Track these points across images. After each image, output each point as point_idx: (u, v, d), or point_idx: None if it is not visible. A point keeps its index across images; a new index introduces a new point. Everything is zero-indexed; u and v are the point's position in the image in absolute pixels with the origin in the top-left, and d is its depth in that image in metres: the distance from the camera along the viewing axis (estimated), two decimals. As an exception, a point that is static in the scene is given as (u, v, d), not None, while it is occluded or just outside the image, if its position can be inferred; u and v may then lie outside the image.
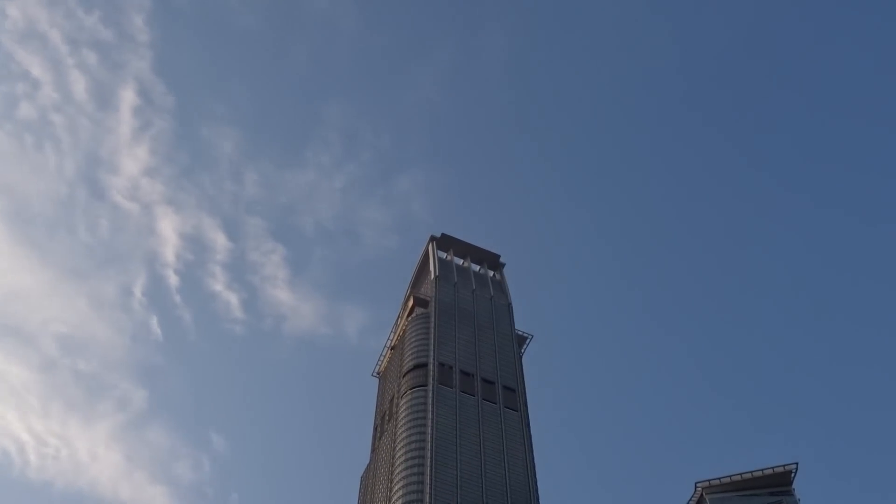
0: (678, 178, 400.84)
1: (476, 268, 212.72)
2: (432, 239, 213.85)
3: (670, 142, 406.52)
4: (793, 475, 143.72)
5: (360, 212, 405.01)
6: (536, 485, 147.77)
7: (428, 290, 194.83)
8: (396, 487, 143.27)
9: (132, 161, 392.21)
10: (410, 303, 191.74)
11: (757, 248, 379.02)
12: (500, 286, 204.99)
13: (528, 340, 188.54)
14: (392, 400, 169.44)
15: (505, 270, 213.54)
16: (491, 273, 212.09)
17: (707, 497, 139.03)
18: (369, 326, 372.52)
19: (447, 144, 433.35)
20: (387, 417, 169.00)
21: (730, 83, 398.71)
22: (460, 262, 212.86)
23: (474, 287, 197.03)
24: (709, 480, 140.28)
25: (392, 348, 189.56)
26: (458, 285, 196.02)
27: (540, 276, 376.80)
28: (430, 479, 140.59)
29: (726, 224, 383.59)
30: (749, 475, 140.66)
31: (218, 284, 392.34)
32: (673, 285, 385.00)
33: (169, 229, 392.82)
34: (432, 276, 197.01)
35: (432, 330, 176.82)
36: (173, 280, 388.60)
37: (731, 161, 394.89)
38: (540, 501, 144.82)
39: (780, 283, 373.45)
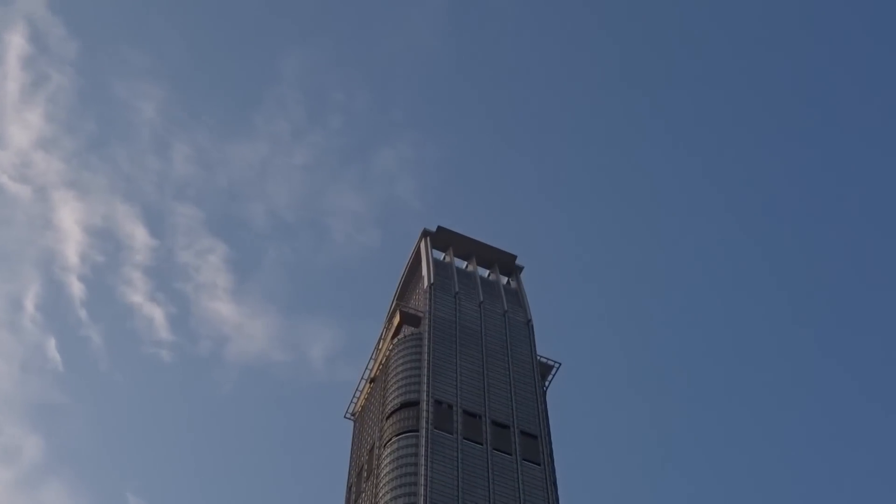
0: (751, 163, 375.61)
1: (484, 272, 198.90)
2: (425, 234, 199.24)
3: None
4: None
5: (328, 197, 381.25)
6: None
7: (420, 302, 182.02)
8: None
9: (21, 130, 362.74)
10: (396, 319, 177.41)
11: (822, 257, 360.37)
12: (517, 297, 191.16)
13: (554, 370, 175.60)
14: (372, 450, 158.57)
15: (524, 276, 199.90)
16: (504, 279, 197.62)
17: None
18: (341, 351, 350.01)
19: (445, 108, 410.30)
20: (364, 473, 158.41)
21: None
22: (463, 264, 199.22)
23: (482, 298, 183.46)
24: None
25: (371, 381, 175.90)
26: (461, 296, 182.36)
27: (568, 282, 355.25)
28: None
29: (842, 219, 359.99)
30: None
31: (137, 295, 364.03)
32: (751, 287, 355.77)
33: (70, 221, 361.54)
34: (425, 283, 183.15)
35: (426, 356, 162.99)
36: (77, 289, 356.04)
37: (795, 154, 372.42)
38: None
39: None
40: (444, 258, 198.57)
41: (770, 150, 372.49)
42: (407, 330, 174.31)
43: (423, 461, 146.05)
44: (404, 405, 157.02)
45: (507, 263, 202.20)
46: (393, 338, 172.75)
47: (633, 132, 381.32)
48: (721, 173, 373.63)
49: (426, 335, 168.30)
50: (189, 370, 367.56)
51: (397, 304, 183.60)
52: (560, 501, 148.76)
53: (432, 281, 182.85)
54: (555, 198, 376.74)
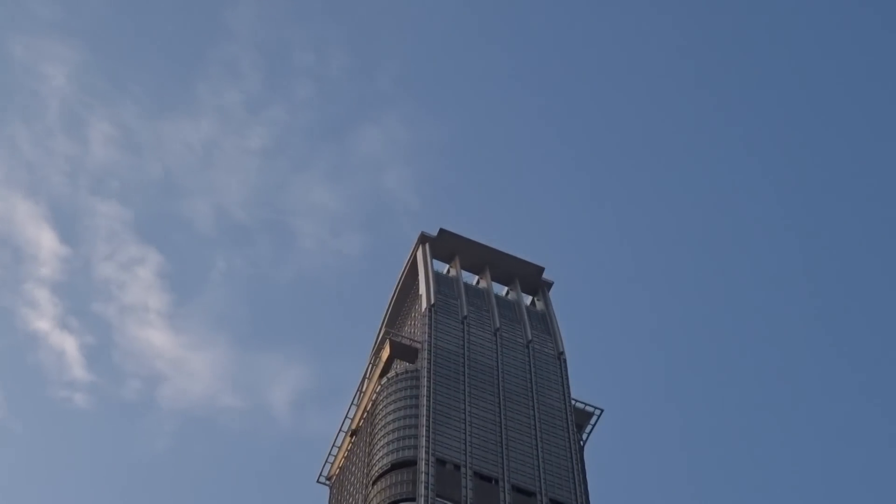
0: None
1: (501, 290, 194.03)
2: (423, 240, 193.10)
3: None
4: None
5: (293, 191, 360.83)
6: None
7: (416, 329, 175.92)
8: None
9: None
10: (385, 353, 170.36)
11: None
12: (545, 322, 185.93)
13: (593, 419, 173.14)
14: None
15: (554, 294, 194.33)
16: (528, 299, 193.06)
17: None
18: (311, 395, 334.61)
19: (447, 73, 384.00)
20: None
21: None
22: (473, 279, 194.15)
23: (498, 324, 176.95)
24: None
25: (353, 434, 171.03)
26: (471, 321, 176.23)
27: (611, 302, 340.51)
28: None
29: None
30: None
31: (43, 320, 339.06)
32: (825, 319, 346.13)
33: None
34: (424, 304, 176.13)
35: (425, 401, 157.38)
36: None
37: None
38: None
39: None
40: (449, 271, 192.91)
41: (824, 154, 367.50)
42: (400, 366, 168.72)
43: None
44: (396, 466, 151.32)
45: (531, 278, 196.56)
46: (381, 377, 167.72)
47: (690, 114, 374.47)
48: (786, 173, 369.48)
49: (425, 373, 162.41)
50: (111, 419, 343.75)
51: (387, 333, 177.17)
52: None
53: (433, 301, 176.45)
54: (592, 192, 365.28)
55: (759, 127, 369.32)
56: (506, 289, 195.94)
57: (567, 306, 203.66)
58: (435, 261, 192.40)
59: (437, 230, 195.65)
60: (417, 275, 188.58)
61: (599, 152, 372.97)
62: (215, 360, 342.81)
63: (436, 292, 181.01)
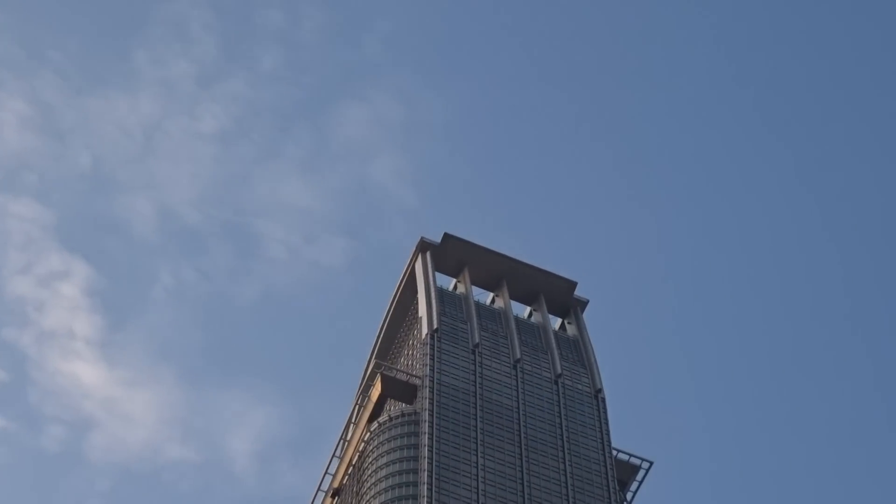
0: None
1: (523, 310, 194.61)
2: (423, 247, 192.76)
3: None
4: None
5: (257, 186, 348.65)
6: None
7: (415, 360, 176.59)
8: None
9: None
10: (376, 390, 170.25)
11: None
12: (578, 351, 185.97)
13: (641, 473, 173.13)
14: None
15: (589, 316, 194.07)
16: (556, 322, 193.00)
17: None
18: (281, 444, 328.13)
19: (453, 37, 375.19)
20: None
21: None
22: (486, 297, 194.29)
23: (519, 355, 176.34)
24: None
25: (335, 493, 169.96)
26: (484, 350, 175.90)
27: (661, 326, 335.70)
28: None
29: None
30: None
31: None
32: None
33: None
34: (424, 329, 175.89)
35: (426, 451, 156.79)
36: None
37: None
38: None
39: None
40: (456, 287, 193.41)
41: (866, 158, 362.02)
42: (394, 408, 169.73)
43: None
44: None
45: (560, 296, 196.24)
46: (371, 421, 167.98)
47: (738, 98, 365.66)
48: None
49: (426, 416, 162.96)
50: (27, 475, 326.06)
51: (377, 366, 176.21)
52: None
53: (436, 326, 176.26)
54: (633, 188, 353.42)
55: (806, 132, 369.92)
56: (528, 309, 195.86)
57: (605, 331, 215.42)
58: (438, 274, 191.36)
59: (441, 235, 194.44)
60: (416, 292, 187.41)
61: (640, 139, 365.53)
62: (159, 400, 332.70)
63: (439, 314, 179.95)
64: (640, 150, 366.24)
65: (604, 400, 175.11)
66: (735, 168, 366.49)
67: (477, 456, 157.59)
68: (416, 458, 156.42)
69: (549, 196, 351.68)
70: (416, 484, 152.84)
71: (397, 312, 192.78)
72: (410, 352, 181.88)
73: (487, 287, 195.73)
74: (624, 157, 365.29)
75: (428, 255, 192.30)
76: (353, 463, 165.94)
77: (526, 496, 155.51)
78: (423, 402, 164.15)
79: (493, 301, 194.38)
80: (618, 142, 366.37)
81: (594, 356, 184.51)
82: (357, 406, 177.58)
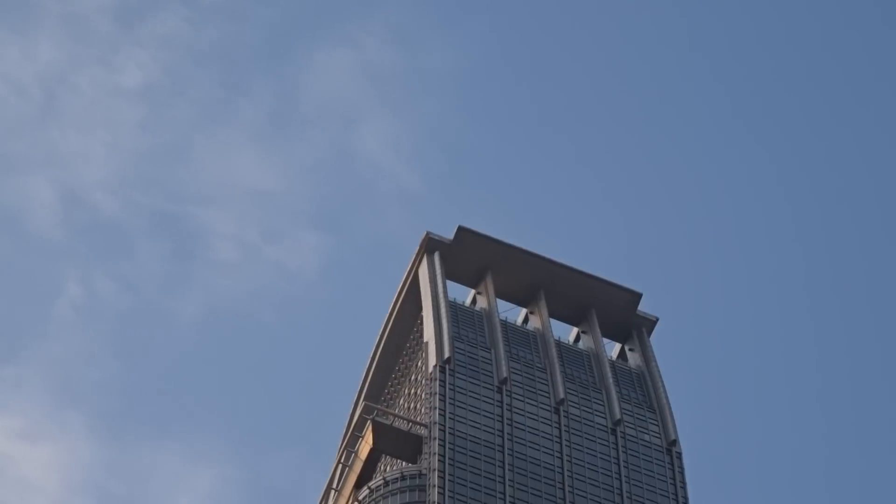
0: None
1: (567, 333, 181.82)
2: (430, 247, 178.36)
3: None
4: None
5: (198, 163, 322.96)
6: None
7: (419, 401, 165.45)
8: None
9: None
10: (367, 444, 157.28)
11: None
12: (644, 387, 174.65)
13: None
14: None
15: (658, 340, 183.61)
16: (615, 349, 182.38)
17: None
18: None
19: None
20: None
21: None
22: (518, 314, 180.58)
23: (562, 394, 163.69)
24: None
25: None
26: (515, 388, 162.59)
27: (754, 353, 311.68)
28: None
29: None
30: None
31: None
32: None
33: None
34: (432, 359, 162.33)
35: None
36: None
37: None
38: None
39: None
40: (475, 301, 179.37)
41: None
42: (391, 468, 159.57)
43: None
44: None
45: (620, 313, 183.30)
46: (359, 487, 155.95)
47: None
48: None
49: (436, 479, 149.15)
50: None
51: (367, 410, 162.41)
52: None
53: (448, 355, 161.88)
54: (706, 168, 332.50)
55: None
56: (574, 331, 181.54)
57: (679, 360, 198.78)
58: (450, 283, 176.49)
59: (454, 229, 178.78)
60: (420, 308, 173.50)
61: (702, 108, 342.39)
62: (65, 459, 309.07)
63: (452, 338, 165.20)
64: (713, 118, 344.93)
65: (679, 455, 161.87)
66: (825, 159, 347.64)
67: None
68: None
69: (598, 176, 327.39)
70: None
71: (394, 336, 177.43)
72: (412, 390, 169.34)
73: (519, 301, 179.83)
74: (694, 124, 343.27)
75: (436, 257, 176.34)
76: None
77: None
78: (431, 459, 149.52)
79: (526, 320, 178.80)
80: (681, 103, 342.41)
81: (666, 395, 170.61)
82: (339, 465, 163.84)
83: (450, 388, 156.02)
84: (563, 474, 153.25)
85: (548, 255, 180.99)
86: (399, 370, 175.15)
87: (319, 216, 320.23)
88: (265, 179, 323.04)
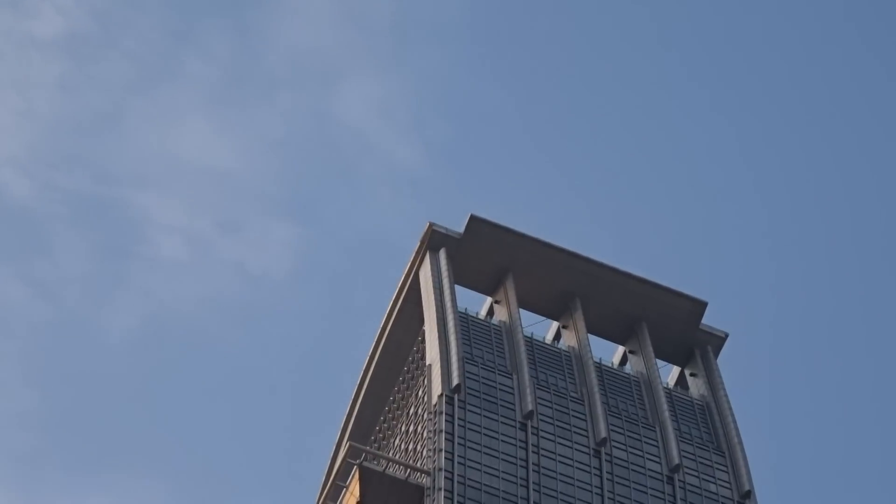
0: None
1: (610, 352, 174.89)
2: (434, 242, 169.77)
3: None
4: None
5: (133, 133, 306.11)
6: None
7: (418, 440, 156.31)
8: None
9: None
10: (351, 497, 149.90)
11: None
12: (711, 424, 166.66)
13: None
14: None
15: (726, 361, 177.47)
16: (670, 375, 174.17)
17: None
18: None
19: None
20: None
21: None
22: (547, 329, 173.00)
23: (604, 433, 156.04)
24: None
25: None
26: (543, 424, 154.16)
27: (836, 377, 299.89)
28: None
29: None
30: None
31: None
32: None
33: None
34: (436, 387, 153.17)
35: None
36: None
37: None
38: None
39: None
40: (492, 311, 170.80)
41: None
42: None
43: None
44: None
45: (678, 328, 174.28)
46: None
47: None
48: None
49: None
50: None
51: (353, 452, 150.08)
52: None
53: (457, 381, 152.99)
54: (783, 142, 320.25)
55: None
56: (621, 350, 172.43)
57: (754, 389, 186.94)
58: (459, 289, 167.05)
59: (465, 220, 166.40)
60: (421, 321, 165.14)
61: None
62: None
63: (463, 360, 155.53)
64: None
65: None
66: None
67: None
68: None
69: (645, 152, 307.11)
70: None
71: (388, 357, 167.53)
72: (411, 427, 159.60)
73: (548, 312, 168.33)
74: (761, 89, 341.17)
75: (442, 255, 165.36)
76: None
77: None
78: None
79: (557, 336, 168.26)
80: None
81: (738, 433, 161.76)
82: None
83: (459, 425, 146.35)
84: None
85: (585, 254, 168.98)
86: (394, 401, 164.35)
87: (290, 202, 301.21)
88: (220, 155, 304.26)
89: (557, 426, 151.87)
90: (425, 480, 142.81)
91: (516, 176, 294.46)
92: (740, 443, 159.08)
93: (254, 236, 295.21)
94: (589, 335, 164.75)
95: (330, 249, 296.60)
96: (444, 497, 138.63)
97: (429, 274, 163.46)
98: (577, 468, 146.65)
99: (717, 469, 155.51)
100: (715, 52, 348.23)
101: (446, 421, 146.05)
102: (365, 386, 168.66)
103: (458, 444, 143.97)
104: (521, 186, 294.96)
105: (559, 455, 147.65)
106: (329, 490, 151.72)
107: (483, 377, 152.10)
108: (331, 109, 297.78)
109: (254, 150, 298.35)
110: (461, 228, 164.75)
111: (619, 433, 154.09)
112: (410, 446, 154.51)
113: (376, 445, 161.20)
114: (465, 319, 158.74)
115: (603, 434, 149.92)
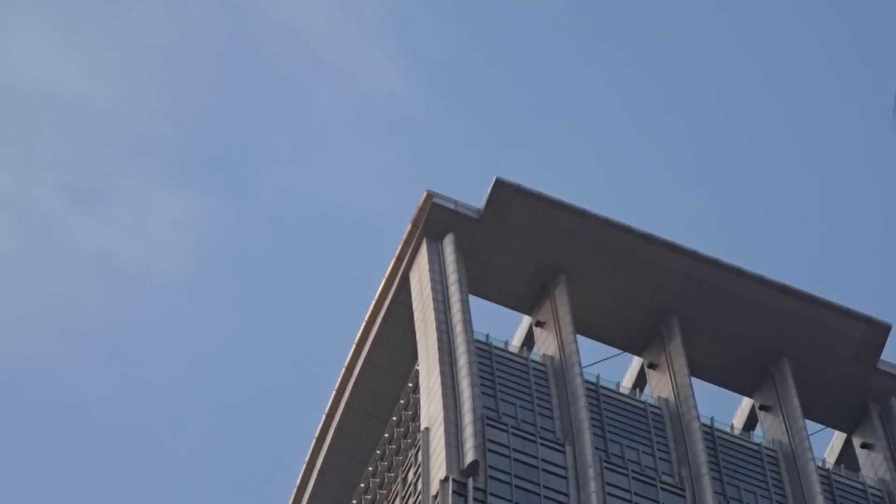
0: None
1: (727, 407, 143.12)
2: (430, 228, 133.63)
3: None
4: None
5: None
6: None
7: None
8: None
9: None
10: None
11: None
12: None
13: None
14: None
15: None
16: (830, 446, 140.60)
17: None
18: None
19: None
20: None
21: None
22: (624, 372, 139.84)
23: None
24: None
25: None
26: None
27: None
28: None
29: None
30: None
31: None
32: None
33: None
34: (437, 468, 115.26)
35: None
36: None
37: None
38: None
39: None
40: (525, 340, 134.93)
41: None
42: None
43: None
44: None
45: (840, 370, 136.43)
46: None
47: None
48: None
49: None
50: None
51: None
52: None
53: (469, 459, 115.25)
54: None
55: None
56: (747, 404, 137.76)
57: None
58: (476, 300, 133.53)
59: (489, 187, 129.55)
60: (414, 353, 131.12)
61: None
62: None
63: (483, 420, 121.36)
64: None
65: None
66: None
67: None
68: None
69: (742, 102, 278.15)
70: None
71: (355, 416, 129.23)
72: None
73: (625, 341, 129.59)
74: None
75: (448, 245, 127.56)
76: None
77: None
78: None
79: (640, 382, 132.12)
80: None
81: None
82: None
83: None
84: None
85: (681, 243, 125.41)
86: (366, 491, 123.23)
87: (190, 158, 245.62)
88: (71, 80, 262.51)
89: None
90: None
91: (547, 135, 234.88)
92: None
93: (129, 213, 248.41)
94: (692, 379, 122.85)
95: (257, 237, 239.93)
96: None
97: (426, 277, 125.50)
98: None
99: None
100: None
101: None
102: (316, 468, 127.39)
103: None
104: (554, 148, 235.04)
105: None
106: None
107: (516, 449, 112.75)
108: (263, 10, 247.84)
109: (127, 68, 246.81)
110: (480, 203, 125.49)
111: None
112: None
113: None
114: (486, 353, 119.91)
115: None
